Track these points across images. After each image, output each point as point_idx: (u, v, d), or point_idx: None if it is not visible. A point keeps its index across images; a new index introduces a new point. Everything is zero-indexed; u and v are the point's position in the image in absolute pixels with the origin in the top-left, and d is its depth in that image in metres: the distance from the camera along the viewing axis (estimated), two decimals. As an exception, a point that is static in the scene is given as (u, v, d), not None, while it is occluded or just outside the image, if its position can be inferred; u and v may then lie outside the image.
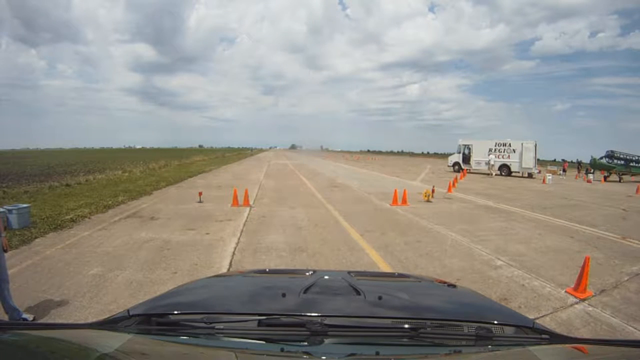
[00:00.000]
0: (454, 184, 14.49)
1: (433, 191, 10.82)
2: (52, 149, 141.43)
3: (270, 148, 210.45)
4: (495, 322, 1.16)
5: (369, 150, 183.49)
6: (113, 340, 0.99)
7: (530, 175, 24.94)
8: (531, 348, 1.06)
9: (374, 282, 1.70)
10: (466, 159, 26.68)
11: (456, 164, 27.14)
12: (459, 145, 27.19)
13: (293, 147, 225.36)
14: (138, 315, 1.15)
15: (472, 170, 26.03)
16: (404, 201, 9.74)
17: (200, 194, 9.57)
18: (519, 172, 25.30)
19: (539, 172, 25.86)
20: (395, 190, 9.97)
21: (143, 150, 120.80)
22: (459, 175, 22.11)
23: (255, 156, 54.12)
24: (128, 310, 1.17)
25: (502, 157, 25.99)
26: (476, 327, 1.12)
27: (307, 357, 0.95)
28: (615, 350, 1.14)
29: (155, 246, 5.64)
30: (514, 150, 25.80)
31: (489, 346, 1.06)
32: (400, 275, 2.12)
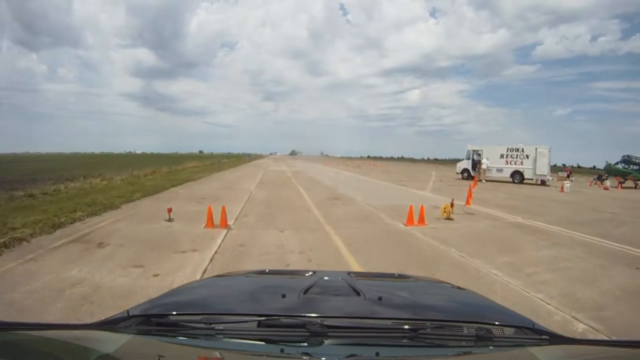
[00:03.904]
0: (469, 195, 12.70)
1: (452, 205, 9.07)
2: (53, 153, 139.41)
3: (270, 154, 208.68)
4: (496, 322, 1.16)
5: (369, 157, 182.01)
6: (113, 341, 1.00)
7: (543, 183, 23.15)
8: (531, 349, 1.07)
9: (374, 282, 1.68)
10: (476, 165, 24.92)
11: (465, 170, 25.36)
12: (468, 150, 25.44)
13: (293, 153, 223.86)
14: (138, 315, 1.14)
15: (480, 177, 24.27)
16: (421, 220, 7.96)
17: (169, 210, 7.76)
18: (532, 179, 23.67)
19: (552, 178, 24.20)
20: (411, 208, 8.12)
21: (143, 155, 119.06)
22: (471, 183, 20.38)
23: (253, 162, 52.45)
24: (128, 311, 1.16)
25: (515, 164, 24.29)
26: (476, 328, 1.11)
27: (307, 358, 0.95)
28: (615, 351, 1.16)
29: (79, 295, 3.90)
30: (527, 156, 24.12)
31: (489, 347, 1.07)
32: (400, 276, 1.99)
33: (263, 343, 1.02)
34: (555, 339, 1.14)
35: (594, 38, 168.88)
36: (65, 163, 44.43)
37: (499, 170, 24.54)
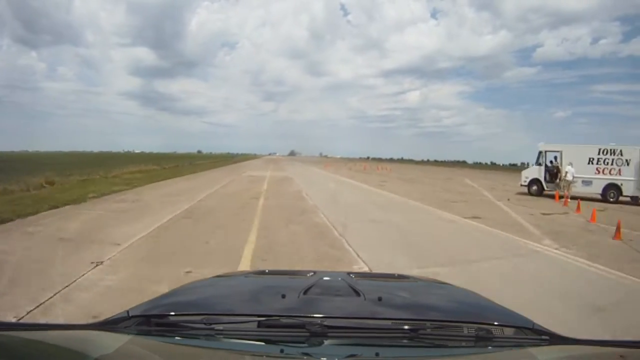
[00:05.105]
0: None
1: None
2: (51, 151, 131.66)
3: (270, 154, 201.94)
4: (495, 322, 1.14)
5: (368, 158, 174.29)
6: (112, 341, 1.00)
7: (635, 201, 15.12)
8: (531, 349, 1.06)
9: (374, 282, 1.69)
10: (552, 174, 16.35)
11: (535, 182, 16.68)
12: (540, 152, 16.80)
13: (292, 153, 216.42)
14: (137, 316, 1.13)
15: (563, 192, 15.76)
16: None
17: None
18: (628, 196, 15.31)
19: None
20: None
21: (140, 155, 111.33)
22: (565, 204, 11.74)
23: (237, 164, 43.45)
24: (127, 311, 1.15)
25: (610, 173, 15.89)
26: (476, 328, 1.10)
27: (307, 358, 0.94)
28: (615, 351, 1.15)
29: None
30: (626, 162, 15.77)
31: (489, 347, 1.06)
32: (400, 276, 1.92)
33: (263, 343, 1.01)
34: (555, 339, 1.13)
35: (595, 40, 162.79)
36: (35, 162, 35.88)
37: (587, 182, 16.08)
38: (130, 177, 19.27)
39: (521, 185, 17.06)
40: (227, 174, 25.03)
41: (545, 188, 16.45)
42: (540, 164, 16.69)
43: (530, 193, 16.54)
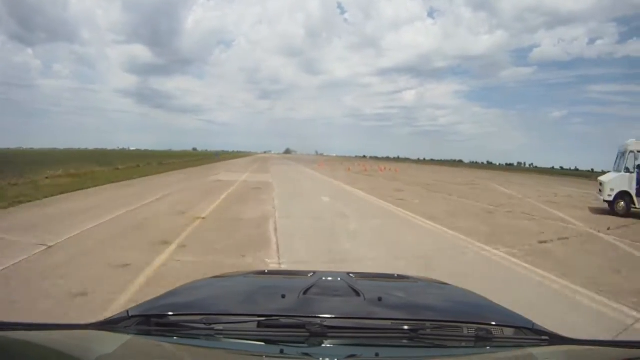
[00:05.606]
0: None
1: None
2: (46, 148, 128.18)
3: (265, 152, 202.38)
4: (495, 323, 1.14)
5: (364, 156, 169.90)
6: (112, 341, 0.99)
7: None
8: (531, 349, 1.05)
9: (374, 283, 1.66)
10: (651, 184, 11.13)
11: (622, 196, 11.43)
12: (629, 152, 11.55)
13: (287, 151, 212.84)
14: (137, 316, 1.13)
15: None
16: None
17: None
18: None
19: None
20: None
21: (134, 152, 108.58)
22: None
23: (216, 164, 37.76)
24: (127, 311, 1.15)
25: None
26: (476, 329, 1.09)
27: (307, 358, 0.94)
28: (615, 351, 1.13)
29: None
30: None
31: (489, 347, 1.05)
32: (400, 277, 1.90)
33: (263, 343, 1.01)
34: (555, 339, 1.11)
35: (592, 41, 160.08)
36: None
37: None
38: (49, 183, 13.83)
39: (604, 200, 11.79)
40: (190, 176, 19.58)
41: (636, 205, 11.33)
42: (629, 170, 11.51)
43: (615, 212, 11.39)
